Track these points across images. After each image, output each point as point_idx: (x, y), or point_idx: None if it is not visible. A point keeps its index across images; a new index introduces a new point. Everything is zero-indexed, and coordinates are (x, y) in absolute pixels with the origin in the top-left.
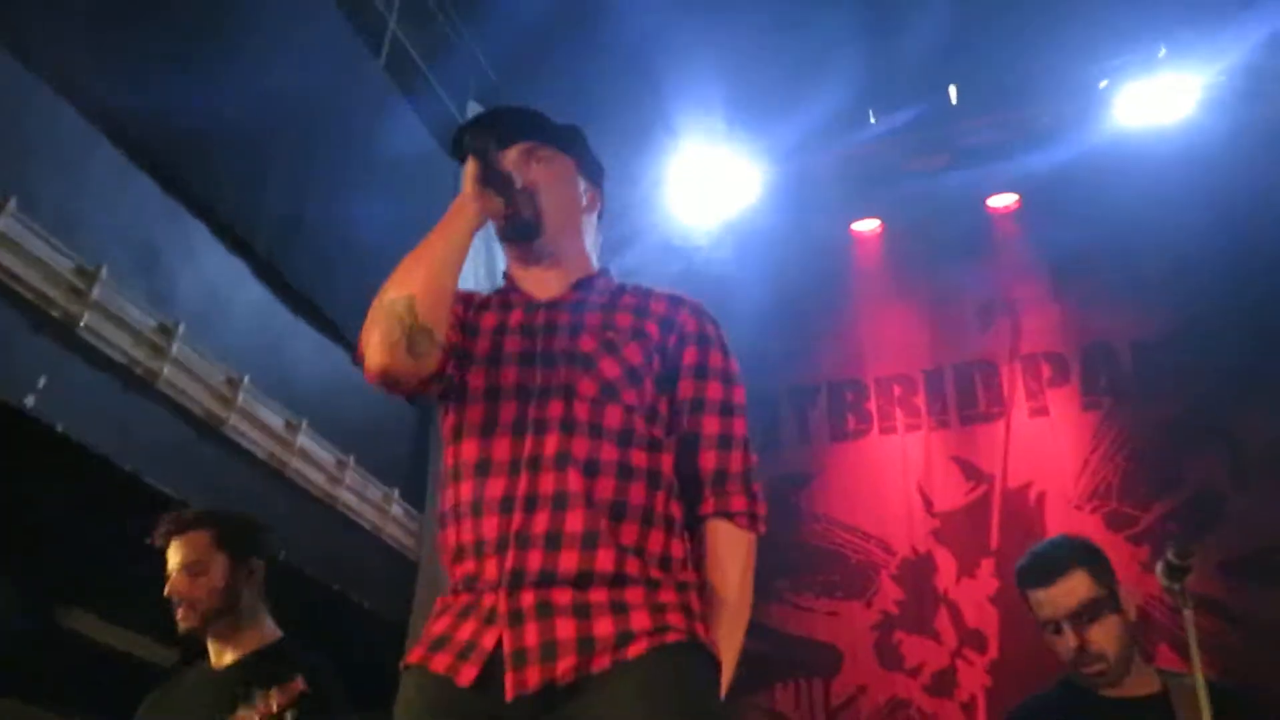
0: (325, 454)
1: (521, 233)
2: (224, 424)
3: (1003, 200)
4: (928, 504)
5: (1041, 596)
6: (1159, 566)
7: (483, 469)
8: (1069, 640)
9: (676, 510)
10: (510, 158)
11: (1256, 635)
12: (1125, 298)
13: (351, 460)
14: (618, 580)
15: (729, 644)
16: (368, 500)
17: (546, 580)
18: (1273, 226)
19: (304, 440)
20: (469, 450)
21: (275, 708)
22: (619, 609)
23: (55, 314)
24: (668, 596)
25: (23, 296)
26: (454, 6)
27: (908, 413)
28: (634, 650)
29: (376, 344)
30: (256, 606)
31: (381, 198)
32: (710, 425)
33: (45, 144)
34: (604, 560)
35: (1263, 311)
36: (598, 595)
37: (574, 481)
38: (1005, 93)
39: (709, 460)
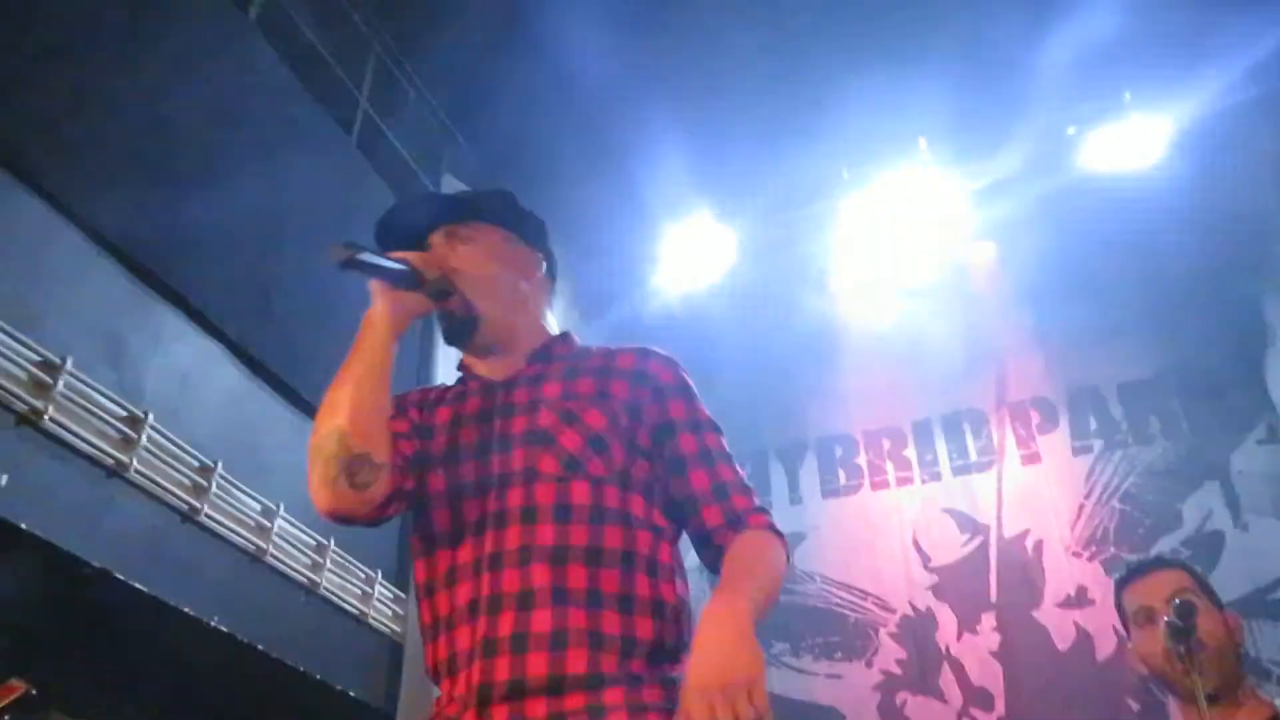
0: (305, 538)
1: (460, 332)
2: (199, 513)
3: (979, 249)
4: (924, 558)
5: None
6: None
7: (451, 577)
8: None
9: (668, 591)
10: (434, 246)
11: (1255, 674)
12: (1107, 340)
13: (331, 543)
14: (593, 681)
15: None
16: (350, 583)
17: (517, 690)
18: (1249, 266)
19: (281, 525)
20: (439, 560)
21: None
22: (595, 713)
23: (19, 408)
24: (651, 695)
25: None
26: (425, 84)
27: (899, 466)
28: None
29: (317, 485)
30: None
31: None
32: (688, 444)
33: (3, 235)
34: (575, 661)
35: (1248, 346)
36: (574, 702)
37: (539, 575)
38: (975, 144)
39: (700, 479)
